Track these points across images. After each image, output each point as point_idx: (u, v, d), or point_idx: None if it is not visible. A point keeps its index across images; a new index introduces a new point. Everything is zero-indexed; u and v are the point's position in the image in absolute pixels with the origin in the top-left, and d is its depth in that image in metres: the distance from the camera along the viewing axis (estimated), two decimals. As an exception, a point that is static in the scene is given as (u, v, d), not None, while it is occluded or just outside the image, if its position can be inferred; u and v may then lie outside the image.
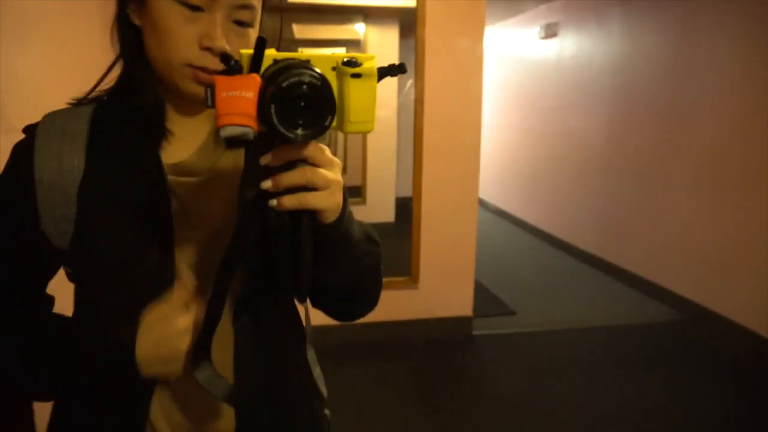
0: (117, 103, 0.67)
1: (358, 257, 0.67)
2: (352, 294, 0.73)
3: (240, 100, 0.47)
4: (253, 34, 0.65)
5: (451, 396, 2.70)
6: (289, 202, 0.54)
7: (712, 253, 3.38)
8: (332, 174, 0.56)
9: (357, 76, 0.51)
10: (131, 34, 0.65)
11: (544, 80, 5.41)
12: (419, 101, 3.00)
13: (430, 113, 3.01)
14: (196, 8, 0.60)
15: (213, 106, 0.48)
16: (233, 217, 0.65)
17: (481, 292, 3.91)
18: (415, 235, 3.12)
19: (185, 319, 0.62)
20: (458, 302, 3.26)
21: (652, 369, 2.95)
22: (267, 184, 0.53)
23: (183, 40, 0.61)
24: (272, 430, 0.71)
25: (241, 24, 0.63)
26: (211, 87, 0.48)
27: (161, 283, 0.64)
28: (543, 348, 3.19)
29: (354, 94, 0.51)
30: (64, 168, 0.64)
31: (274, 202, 0.54)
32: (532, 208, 5.81)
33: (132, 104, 0.66)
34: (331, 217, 0.58)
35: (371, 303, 0.77)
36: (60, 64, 1.76)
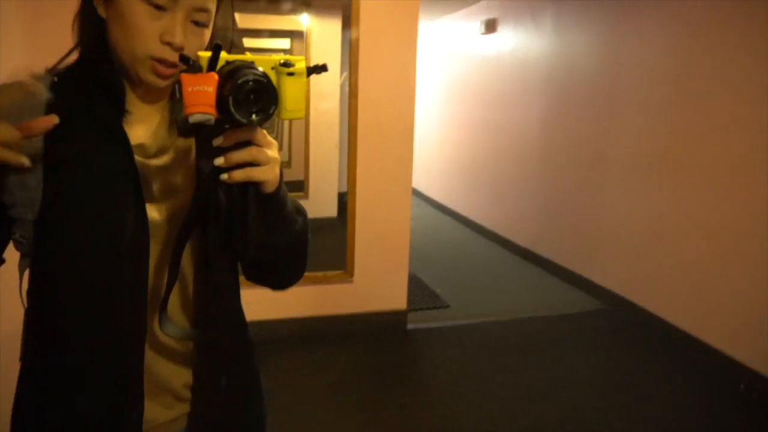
0: (78, 75, 0.74)
1: (292, 222, 0.78)
2: (287, 256, 0.82)
3: (203, 94, 0.60)
4: (207, 33, 0.75)
5: (386, 386, 2.73)
6: (238, 175, 0.66)
7: (638, 246, 3.54)
8: (272, 152, 0.68)
9: (291, 74, 0.64)
10: (95, 23, 0.73)
11: (486, 74, 5.50)
12: (353, 95, 2.98)
13: (364, 107, 3.00)
14: (160, 8, 0.69)
15: (180, 98, 0.60)
16: (188, 193, 0.78)
17: (417, 286, 3.95)
18: (350, 229, 3.11)
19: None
20: (393, 296, 3.28)
21: (579, 350, 3.11)
22: (220, 161, 0.65)
23: (147, 34, 0.70)
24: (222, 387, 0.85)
25: (198, 24, 0.73)
26: (178, 83, 0.60)
27: (139, 245, 0.73)
28: (476, 338, 3.26)
29: (289, 88, 0.64)
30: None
31: (225, 176, 0.66)
32: (473, 203, 5.91)
33: (95, 75, 0.73)
34: (271, 187, 0.70)
35: (301, 266, 0.87)
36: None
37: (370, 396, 2.64)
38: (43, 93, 0.70)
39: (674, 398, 2.67)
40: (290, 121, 0.73)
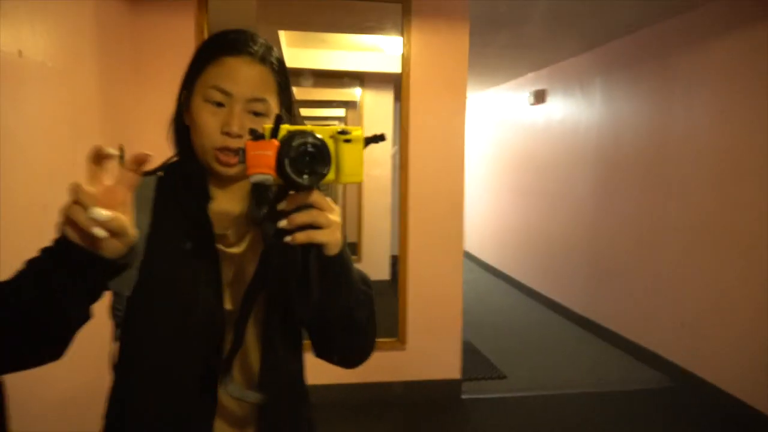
0: (173, 174, 0.87)
1: (356, 291, 0.80)
2: (352, 328, 0.83)
3: (263, 157, 0.65)
4: (268, 121, 0.80)
5: None
6: (300, 237, 0.69)
7: (700, 319, 3.35)
8: (333, 216, 0.71)
9: (348, 141, 0.69)
10: (181, 129, 0.87)
11: (535, 143, 5.57)
12: (403, 166, 3.09)
13: (414, 177, 3.09)
14: (219, 104, 0.81)
15: (244, 162, 0.66)
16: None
17: (471, 353, 3.86)
18: (402, 296, 3.13)
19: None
20: (446, 364, 3.22)
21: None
22: (283, 223, 0.69)
23: (210, 128, 0.80)
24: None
25: (257, 114, 0.82)
26: (243, 150, 0.66)
27: (215, 327, 0.80)
28: (532, 413, 3.12)
29: (346, 154, 0.69)
30: (140, 224, 0.75)
31: (288, 238, 0.69)
32: (524, 267, 5.82)
33: (183, 173, 0.86)
34: (333, 250, 0.73)
35: (366, 341, 0.88)
36: (55, 130, 1.85)
37: None
38: (152, 189, 0.84)
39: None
40: (346, 185, 0.78)
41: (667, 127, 3.65)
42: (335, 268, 0.75)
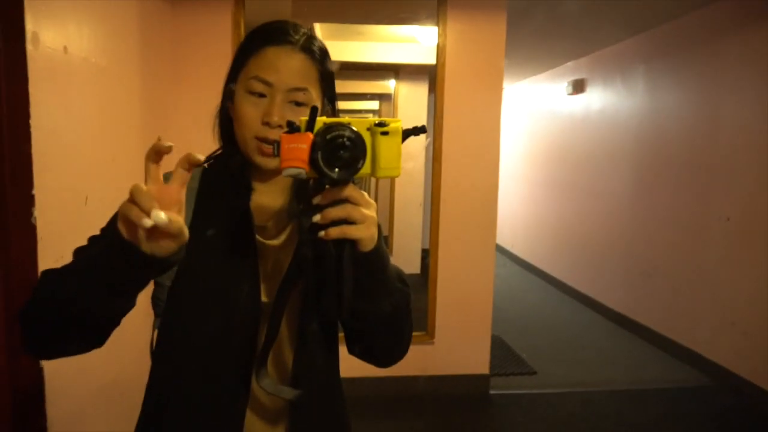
0: (216, 168, 0.88)
1: (392, 290, 0.78)
2: (388, 328, 0.81)
3: (297, 150, 0.64)
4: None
5: None
6: (334, 232, 0.67)
7: (745, 318, 3.23)
8: (368, 211, 0.69)
9: (385, 133, 0.66)
10: (226, 122, 0.88)
11: (572, 134, 5.43)
12: (437, 159, 3.06)
13: (447, 169, 3.06)
14: (260, 95, 0.80)
15: (278, 155, 0.65)
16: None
17: (501, 349, 3.83)
18: (432, 290, 3.12)
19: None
20: (475, 359, 3.21)
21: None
22: (317, 218, 0.68)
23: (251, 119, 0.80)
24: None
25: (298, 104, 0.81)
26: (277, 143, 0.66)
27: (251, 320, 0.80)
28: (563, 410, 3.08)
29: (383, 147, 0.66)
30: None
31: (322, 233, 0.67)
32: (559, 262, 5.72)
33: (227, 167, 0.86)
34: (367, 246, 0.70)
35: (402, 340, 0.86)
36: (98, 126, 1.90)
37: None
38: (196, 180, 0.85)
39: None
40: (380, 179, 0.72)
41: (715, 117, 3.50)
42: (370, 265, 0.73)
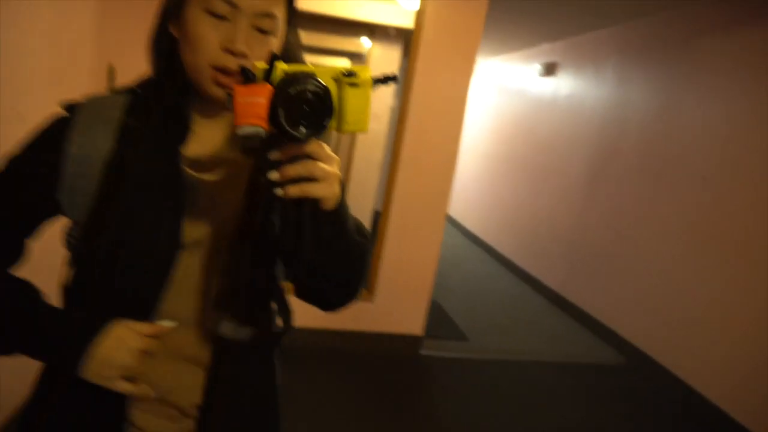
0: (148, 98, 0.76)
1: (351, 244, 0.75)
2: (340, 281, 0.80)
3: (254, 105, 0.57)
4: (275, 41, 0.73)
5: (390, 409, 2.75)
6: (293, 190, 0.63)
7: (675, 311, 3.45)
8: (331, 168, 0.64)
9: (354, 85, 0.60)
10: (167, 43, 0.75)
11: (538, 116, 5.52)
12: (401, 120, 3.07)
13: (410, 133, 3.08)
14: (221, 17, 0.69)
15: (231, 109, 0.58)
16: (237, 207, 0.76)
17: (437, 313, 3.97)
18: (378, 249, 3.18)
19: (137, 344, 0.72)
20: (411, 320, 3.32)
21: (586, 403, 3.04)
22: (274, 175, 0.62)
23: (208, 43, 0.70)
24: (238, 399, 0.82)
25: (263, 31, 0.72)
26: (230, 94, 0.58)
27: (169, 250, 0.73)
28: (490, 376, 3.25)
29: (351, 100, 0.60)
30: (96, 146, 0.72)
31: (280, 191, 0.63)
32: (506, 238, 5.90)
33: (161, 101, 0.75)
34: (329, 205, 0.68)
35: (354, 290, 0.83)
36: (53, 57, 1.81)
37: (373, 416, 2.67)
38: (119, 109, 0.75)
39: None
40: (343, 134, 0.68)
41: (676, 116, 3.62)
42: (331, 224, 0.70)
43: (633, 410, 3.10)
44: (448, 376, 3.20)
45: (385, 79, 0.63)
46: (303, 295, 0.82)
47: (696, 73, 3.51)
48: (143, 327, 0.72)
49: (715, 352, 3.09)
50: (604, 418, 2.96)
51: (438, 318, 3.90)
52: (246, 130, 0.57)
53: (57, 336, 0.72)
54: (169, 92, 0.75)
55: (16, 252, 0.78)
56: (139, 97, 0.77)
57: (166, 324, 0.74)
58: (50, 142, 0.73)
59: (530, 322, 4.26)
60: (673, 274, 3.47)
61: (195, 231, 0.76)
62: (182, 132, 0.76)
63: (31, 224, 0.77)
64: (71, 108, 0.75)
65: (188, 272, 0.76)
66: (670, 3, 3.62)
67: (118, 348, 0.70)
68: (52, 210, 0.75)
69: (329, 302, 0.84)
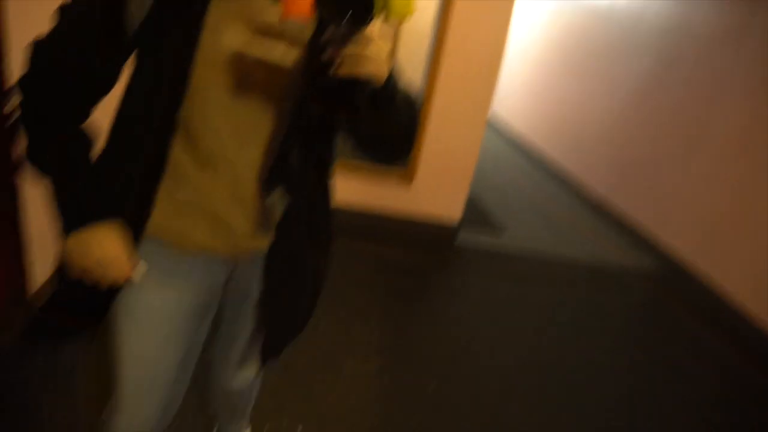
0: None
1: (399, 116, 0.81)
2: (392, 146, 0.87)
3: (300, 2, 0.59)
4: None
5: (420, 292, 2.82)
6: (345, 68, 0.65)
7: (717, 222, 3.38)
8: (381, 45, 0.67)
9: None
10: None
11: (594, 21, 5.31)
12: (446, 10, 3.01)
13: (457, 23, 3.03)
14: None
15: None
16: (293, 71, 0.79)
17: (476, 208, 4.03)
18: (420, 134, 3.22)
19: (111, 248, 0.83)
20: (449, 206, 3.38)
21: (619, 310, 3.08)
22: (326, 55, 0.65)
23: None
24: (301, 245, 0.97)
25: None
26: None
27: (177, 81, 0.77)
28: (521, 270, 3.32)
29: None
30: None
31: (332, 69, 0.65)
32: (551, 139, 5.86)
33: None
34: (379, 83, 0.71)
35: (407, 150, 0.91)
36: None
37: (402, 298, 2.71)
38: None
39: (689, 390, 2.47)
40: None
41: (740, 28, 3.39)
42: (381, 101, 0.73)
43: (661, 319, 3.11)
44: (478, 267, 3.26)
45: None
46: (366, 150, 0.89)
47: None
48: (118, 251, 0.83)
49: (758, 267, 3.03)
50: (629, 322, 3.00)
51: (476, 212, 3.96)
52: (291, 24, 0.61)
53: (66, 201, 0.82)
54: None
55: (107, 78, 0.84)
56: None
57: (138, 269, 0.85)
58: None
59: (569, 224, 4.28)
60: (724, 197, 3.37)
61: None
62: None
63: (110, 51, 0.80)
64: None
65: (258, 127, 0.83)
66: None
67: (89, 247, 0.82)
68: (121, 35, 0.77)
69: (386, 157, 0.93)
